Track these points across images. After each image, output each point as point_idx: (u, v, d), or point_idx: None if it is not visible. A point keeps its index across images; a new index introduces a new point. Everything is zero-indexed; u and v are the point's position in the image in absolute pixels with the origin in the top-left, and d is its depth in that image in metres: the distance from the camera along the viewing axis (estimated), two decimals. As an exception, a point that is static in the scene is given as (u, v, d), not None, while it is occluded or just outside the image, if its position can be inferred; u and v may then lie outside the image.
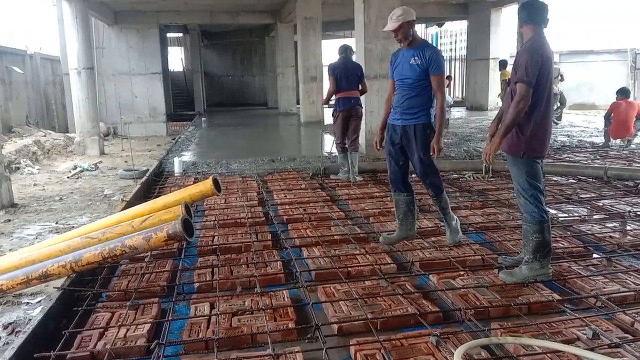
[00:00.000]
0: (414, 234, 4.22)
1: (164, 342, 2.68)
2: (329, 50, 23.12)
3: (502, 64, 12.83)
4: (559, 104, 13.00)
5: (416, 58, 3.82)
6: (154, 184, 7.10)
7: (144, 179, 7.02)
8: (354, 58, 7.09)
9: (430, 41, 25.17)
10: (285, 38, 19.04)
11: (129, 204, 5.20)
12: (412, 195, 4.15)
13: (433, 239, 4.30)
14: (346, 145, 6.80)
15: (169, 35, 22.63)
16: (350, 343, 2.62)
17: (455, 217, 4.18)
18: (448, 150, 9.15)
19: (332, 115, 6.83)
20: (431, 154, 3.87)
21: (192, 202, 4.23)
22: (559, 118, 13.10)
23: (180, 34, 23.94)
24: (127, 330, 2.84)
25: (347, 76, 6.58)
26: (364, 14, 8.10)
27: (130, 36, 16.90)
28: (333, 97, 6.74)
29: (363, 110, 6.88)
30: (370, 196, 5.95)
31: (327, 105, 7.67)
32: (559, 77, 12.93)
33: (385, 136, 4.13)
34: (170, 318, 2.99)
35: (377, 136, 4.24)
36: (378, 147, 4.22)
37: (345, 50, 6.73)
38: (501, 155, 3.57)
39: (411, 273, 3.64)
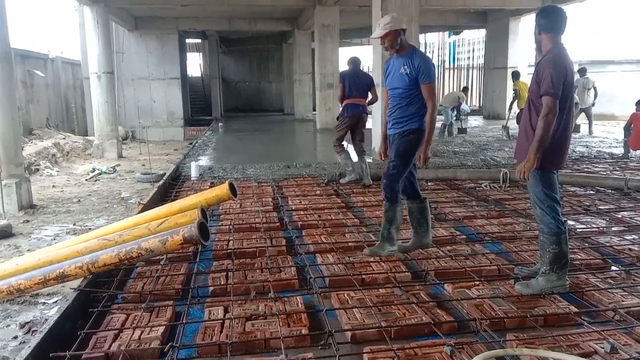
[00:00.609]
0: (429, 242, 4.16)
1: (177, 345, 2.69)
2: (346, 58, 23.21)
3: (515, 75, 12.80)
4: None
5: (405, 67, 3.78)
6: (170, 187, 7.16)
7: (161, 182, 7.08)
8: (367, 68, 7.32)
9: (448, 50, 25.27)
10: (303, 45, 19.15)
11: (146, 207, 5.25)
12: (424, 202, 4.11)
13: (448, 247, 4.26)
14: (344, 146, 7.08)
15: (187, 41, 22.87)
16: (364, 351, 2.61)
17: (395, 245, 4.08)
18: (465, 158, 9.10)
19: (337, 119, 7.07)
20: (417, 163, 3.86)
21: (208, 206, 4.26)
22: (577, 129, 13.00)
23: (199, 40, 24.18)
24: (142, 332, 2.85)
25: (357, 84, 6.82)
26: (381, 22, 8.09)
27: (150, 41, 17.12)
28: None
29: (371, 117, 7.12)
30: (386, 204, 5.91)
31: None
32: (593, 90, 12.77)
33: (389, 146, 4.10)
34: (184, 321, 3.00)
35: (381, 147, 4.24)
36: (382, 158, 4.23)
37: (354, 62, 7.03)
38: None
39: (426, 282, 3.62)
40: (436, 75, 6.41)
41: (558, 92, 3.06)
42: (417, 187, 4.15)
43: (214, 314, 3.07)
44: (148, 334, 2.84)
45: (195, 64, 27.18)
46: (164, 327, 2.91)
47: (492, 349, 2.58)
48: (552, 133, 3.14)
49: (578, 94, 12.66)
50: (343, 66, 16.69)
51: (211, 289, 3.49)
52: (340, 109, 7.03)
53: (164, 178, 7.40)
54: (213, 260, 4.10)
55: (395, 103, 3.91)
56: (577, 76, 12.52)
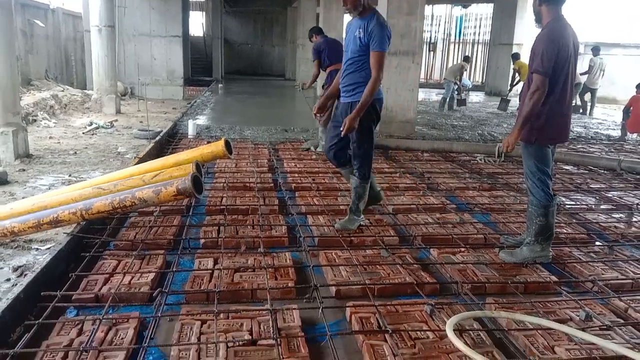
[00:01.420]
0: (380, 196, 4.14)
1: (166, 291, 2.77)
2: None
3: (515, 56, 12.82)
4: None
5: (360, 30, 3.53)
6: (167, 144, 7.18)
7: (157, 138, 7.09)
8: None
9: (455, 24, 24.92)
10: (308, 10, 18.85)
11: (142, 162, 5.27)
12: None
13: (438, 215, 4.33)
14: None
15: (191, -1, 22.51)
16: (347, 305, 2.69)
17: (362, 215, 3.96)
18: (462, 132, 9.12)
19: (323, 87, 6.94)
20: (341, 129, 3.59)
21: (203, 162, 4.29)
22: (585, 109, 12.98)
23: (203, -1, 23.82)
24: (132, 277, 2.93)
25: (338, 51, 6.57)
26: (388, -12, 7.99)
27: (154, -3, 16.82)
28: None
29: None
30: (380, 171, 5.97)
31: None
32: (602, 72, 12.70)
33: (334, 111, 3.94)
34: (174, 269, 3.07)
35: (317, 103, 4.01)
36: (314, 112, 4.01)
37: (321, 31, 7.07)
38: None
39: (412, 246, 3.69)
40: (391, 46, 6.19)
41: (548, 71, 3.06)
42: (346, 155, 3.95)
43: (203, 265, 3.14)
44: (138, 279, 2.91)
45: (197, 24, 26.79)
46: (154, 274, 2.98)
47: (471, 311, 2.66)
48: (546, 109, 3.15)
49: (594, 73, 12.58)
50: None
51: (202, 241, 3.56)
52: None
53: (161, 135, 7.40)
54: (206, 215, 4.16)
55: (346, 68, 3.68)
56: (591, 55, 12.42)
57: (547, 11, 3.18)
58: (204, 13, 26.21)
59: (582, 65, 12.70)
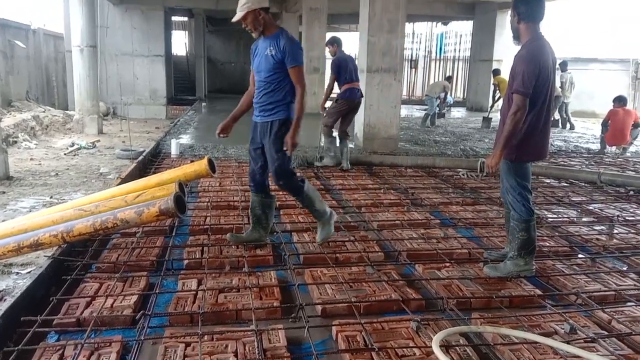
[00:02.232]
0: (265, 239, 3.93)
1: (149, 313, 2.73)
2: (333, 43, 23.08)
3: (496, 72, 13.12)
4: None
5: (271, 48, 3.53)
6: (150, 164, 7.13)
7: (140, 158, 7.05)
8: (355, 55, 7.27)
9: (436, 41, 25.33)
10: (290, 28, 18.93)
11: (124, 182, 5.22)
12: (271, 199, 3.93)
13: (422, 231, 4.35)
14: (333, 132, 7.02)
15: (174, 18, 22.57)
16: (333, 324, 2.67)
17: (328, 210, 3.88)
18: (445, 148, 9.21)
19: (337, 102, 6.91)
20: (284, 149, 3.57)
21: (187, 182, 4.27)
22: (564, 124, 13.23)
23: (186, 18, 23.87)
24: (115, 300, 2.88)
25: (354, 68, 6.91)
26: (369, 7, 8.09)
27: (135, 17, 16.82)
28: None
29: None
30: (364, 187, 6.00)
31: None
32: (572, 86, 13.03)
33: (250, 133, 3.86)
34: (157, 291, 3.03)
35: (222, 124, 3.94)
36: (217, 133, 3.94)
37: (340, 44, 6.97)
38: None
39: (398, 262, 3.69)
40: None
41: (528, 91, 3.08)
42: (267, 180, 3.92)
43: (187, 286, 3.11)
44: (121, 302, 2.87)
45: (180, 43, 26.86)
46: (137, 296, 2.94)
47: (457, 326, 2.66)
48: (525, 127, 3.18)
49: (567, 88, 12.94)
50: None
51: (186, 262, 3.52)
52: (339, 92, 6.93)
53: (144, 154, 7.36)
54: (189, 235, 4.13)
55: (262, 88, 3.65)
56: (560, 72, 12.73)
57: (525, 29, 3.22)
58: (187, 32, 26.31)
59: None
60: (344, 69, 6.77)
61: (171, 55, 21.96)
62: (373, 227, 4.48)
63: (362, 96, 7.06)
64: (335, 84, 6.91)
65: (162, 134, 10.60)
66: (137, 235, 4.00)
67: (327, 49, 7.10)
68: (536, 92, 3.12)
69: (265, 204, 3.88)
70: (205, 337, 2.50)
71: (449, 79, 15.20)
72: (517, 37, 3.30)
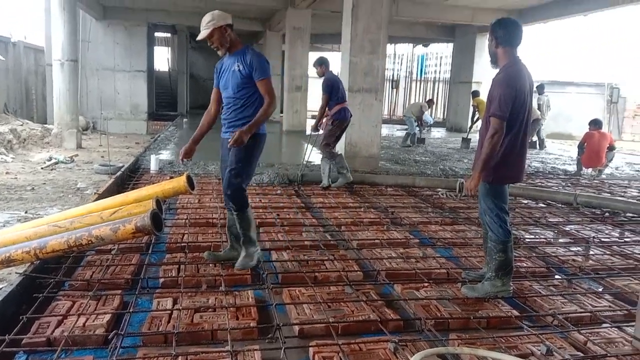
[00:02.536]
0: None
1: (122, 333, 2.66)
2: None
3: (475, 94, 13.40)
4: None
5: (238, 64, 3.55)
6: (128, 179, 7.05)
7: (118, 174, 6.96)
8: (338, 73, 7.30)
9: (417, 62, 25.68)
10: (273, 46, 19.13)
11: (101, 198, 5.14)
12: (245, 212, 3.77)
13: (401, 250, 4.35)
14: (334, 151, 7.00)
15: (156, 34, 22.56)
16: (310, 345, 2.64)
17: (257, 246, 3.79)
18: (425, 167, 9.28)
19: (333, 124, 6.87)
20: (230, 143, 3.51)
21: (165, 198, 4.21)
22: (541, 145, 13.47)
23: (169, 34, 23.88)
24: (87, 319, 2.82)
25: (343, 87, 6.97)
26: (351, 27, 8.20)
27: (118, 32, 16.78)
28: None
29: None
30: (345, 206, 6.00)
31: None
32: (548, 108, 13.34)
33: (220, 151, 3.86)
34: (131, 310, 2.97)
35: (185, 147, 3.87)
36: (181, 157, 3.90)
37: (328, 65, 7.01)
38: None
39: (377, 282, 3.68)
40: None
41: (505, 114, 3.12)
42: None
43: (162, 305, 3.05)
44: (93, 321, 2.80)
45: (163, 59, 26.81)
46: (110, 315, 2.88)
47: (435, 347, 2.65)
48: (502, 150, 3.22)
49: (545, 111, 13.25)
50: (312, 70, 16.80)
51: (162, 280, 3.46)
52: (330, 114, 6.87)
53: (122, 170, 7.27)
54: (166, 252, 4.07)
55: (230, 104, 3.65)
56: (537, 94, 13.02)
57: (503, 53, 3.27)
58: (170, 48, 26.29)
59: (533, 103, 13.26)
60: (335, 89, 6.79)
61: (153, 70, 21.91)
62: (352, 246, 4.47)
63: (352, 115, 7.11)
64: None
65: (141, 150, 10.51)
66: (112, 252, 3.94)
67: (314, 69, 7.08)
68: (513, 115, 3.16)
69: (241, 219, 3.78)
70: (180, 358, 2.45)
71: (429, 102, 15.41)
72: (494, 61, 3.35)
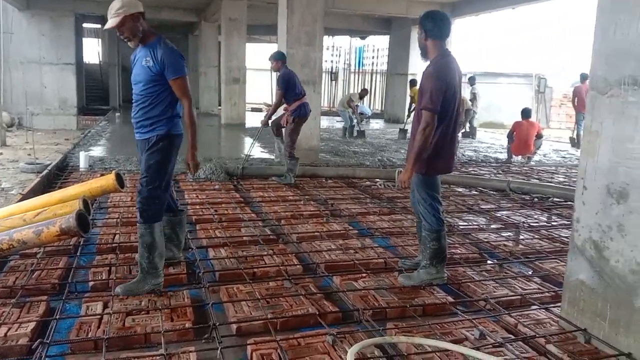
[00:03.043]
0: (178, 257, 3.71)
1: (48, 342, 2.52)
2: (254, 54, 23.01)
3: (413, 83, 13.64)
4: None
5: (147, 59, 3.20)
6: (55, 178, 6.70)
7: (45, 172, 6.61)
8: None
9: (355, 55, 25.87)
10: (209, 37, 18.75)
11: (25, 198, 4.86)
12: (180, 215, 3.67)
13: (340, 242, 4.37)
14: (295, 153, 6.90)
15: (85, 25, 21.53)
16: (248, 343, 2.60)
17: (161, 278, 3.25)
18: (364, 158, 9.38)
19: (293, 121, 6.77)
20: (189, 171, 3.40)
21: (93, 198, 4.03)
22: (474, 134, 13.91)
23: (99, 25, 22.85)
24: (9, 329, 2.65)
25: (299, 83, 6.88)
26: (287, 19, 8.14)
27: (43, 23, 15.89)
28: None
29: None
30: (285, 199, 5.96)
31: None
32: (478, 99, 13.74)
33: (138, 152, 3.51)
34: (58, 317, 2.82)
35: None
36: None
37: (285, 59, 6.93)
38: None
39: (316, 274, 3.68)
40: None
41: (437, 107, 3.18)
42: (173, 199, 3.64)
43: (91, 309, 2.91)
44: (16, 330, 2.64)
45: (93, 51, 25.66)
46: (35, 323, 2.72)
47: (373, 338, 2.67)
48: (435, 142, 3.28)
49: (478, 101, 13.67)
50: (250, 62, 16.56)
51: (91, 283, 3.31)
52: (289, 110, 6.76)
53: (49, 168, 6.90)
54: (96, 254, 3.90)
55: (139, 102, 3.29)
56: (469, 85, 13.41)
57: (432, 46, 3.33)
58: (100, 40, 25.19)
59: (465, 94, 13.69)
60: (292, 85, 6.69)
61: (83, 63, 20.92)
62: (292, 239, 4.45)
63: (311, 111, 7.05)
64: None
65: (71, 146, 10.04)
66: (37, 256, 3.72)
67: (270, 64, 6.94)
68: (444, 108, 3.23)
69: (175, 222, 3.65)
70: (110, 365, 2.34)
71: (363, 91, 15.55)
72: (424, 54, 3.41)
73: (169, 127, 3.25)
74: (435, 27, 3.28)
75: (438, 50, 3.32)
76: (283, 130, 7.13)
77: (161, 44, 3.23)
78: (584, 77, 11.39)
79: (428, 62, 3.38)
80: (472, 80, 13.67)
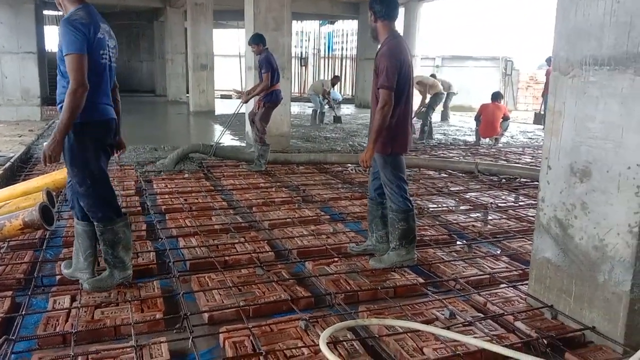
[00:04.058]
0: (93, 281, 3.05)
1: (13, 338, 2.46)
2: (222, 39, 22.67)
3: None
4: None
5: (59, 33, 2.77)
6: (19, 171, 6.52)
7: (7, 165, 6.41)
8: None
9: (324, 39, 25.72)
10: (175, 23, 18.40)
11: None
12: (89, 226, 3.05)
13: (312, 227, 4.37)
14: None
15: (46, 12, 20.87)
16: (220, 331, 2.58)
17: (129, 270, 3.08)
18: (335, 144, 9.39)
19: (264, 106, 6.78)
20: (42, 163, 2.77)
21: (58, 190, 3.94)
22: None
23: (60, 12, 22.19)
24: (-28, 327, 2.57)
25: (277, 68, 6.83)
26: (253, 5, 8.04)
27: (1, 10, 15.32)
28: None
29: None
30: (256, 186, 5.93)
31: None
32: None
33: None
34: (24, 312, 2.75)
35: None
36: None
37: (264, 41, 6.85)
38: None
39: (288, 260, 3.68)
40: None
41: (393, 85, 3.25)
42: (77, 206, 3.06)
43: (59, 304, 2.86)
44: (-21, 328, 2.57)
45: (55, 38, 24.92)
46: (0, 319, 2.65)
47: (345, 321, 2.69)
48: (394, 120, 3.33)
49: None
50: (218, 48, 16.31)
51: (58, 277, 3.23)
52: (262, 95, 6.77)
53: (12, 160, 6.70)
54: (63, 247, 3.81)
55: (59, 77, 2.88)
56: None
57: (382, 27, 3.41)
58: (62, 27, 24.47)
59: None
60: (273, 69, 6.66)
61: (45, 51, 20.31)
62: (264, 226, 4.43)
63: (282, 98, 7.05)
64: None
65: (35, 137, 9.77)
66: (1, 250, 3.62)
67: (251, 48, 6.98)
68: (399, 86, 3.30)
69: (86, 233, 3.07)
70: (79, 358, 2.30)
71: (335, 78, 15.50)
72: (375, 35, 3.49)
73: (82, 113, 2.73)
74: (383, 8, 3.35)
75: (388, 32, 3.40)
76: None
77: (65, 18, 2.77)
78: (550, 60, 11.54)
79: (379, 45, 3.44)
80: None
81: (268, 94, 6.74)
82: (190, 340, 2.47)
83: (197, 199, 5.28)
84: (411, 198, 3.54)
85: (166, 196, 5.32)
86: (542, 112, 12.47)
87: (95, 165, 2.93)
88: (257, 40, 6.77)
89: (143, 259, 3.55)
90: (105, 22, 2.92)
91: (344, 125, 12.66)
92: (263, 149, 6.89)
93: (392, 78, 3.24)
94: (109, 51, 2.93)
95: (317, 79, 23.13)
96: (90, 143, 2.87)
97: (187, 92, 16.50)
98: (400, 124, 3.38)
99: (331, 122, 12.91)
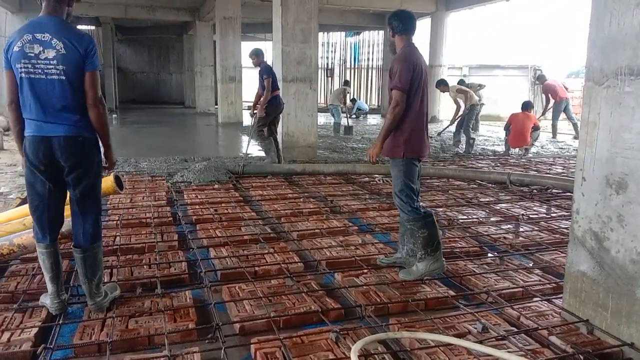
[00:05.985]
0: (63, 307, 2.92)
1: (51, 347, 2.52)
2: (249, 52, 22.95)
3: (441, 82, 13.55)
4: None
5: None
6: None
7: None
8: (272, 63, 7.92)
9: (350, 51, 25.78)
10: (204, 37, 18.73)
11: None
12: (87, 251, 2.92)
13: (341, 238, 4.37)
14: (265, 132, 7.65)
15: (79, 27, 21.48)
16: (251, 342, 2.60)
17: (109, 294, 3.01)
18: (362, 154, 9.38)
19: (266, 109, 7.47)
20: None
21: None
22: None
23: (93, 27, 22.80)
24: (12, 334, 2.64)
25: (276, 77, 7.69)
26: (281, 17, 8.12)
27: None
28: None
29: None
30: (284, 197, 5.96)
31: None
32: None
33: None
34: (60, 321, 2.82)
35: None
36: None
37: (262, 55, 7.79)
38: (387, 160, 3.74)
39: (317, 272, 3.68)
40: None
41: (405, 86, 3.32)
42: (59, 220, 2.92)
43: (94, 313, 2.91)
44: (19, 335, 2.64)
45: None
46: (38, 328, 2.72)
47: (375, 334, 2.68)
48: (408, 123, 3.39)
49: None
50: (245, 60, 16.55)
51: (93, 286, 3.30)
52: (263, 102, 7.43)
53: (48, 172, 6.88)
54: (98, 256, 3.88)
55: None
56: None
57: (399, 41, 3.52)
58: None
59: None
60: (274, 76, 7.43)
61: None
62: (293, 237, 4.45)
63: (284, 103, 7.78)
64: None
65: None
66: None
67: (250, 60, 7.74)
68: (412, 88, 3.36)
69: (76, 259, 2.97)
70: (115, 367, 2.35)
71: (346, 82, 15.52)
72: (393, 49, 3.59)
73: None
74: (400, 24, 3.48)
75: (404, 43, 3.50)
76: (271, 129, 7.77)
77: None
78: (542, 78, 13.23)
79: None
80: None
81: (272, 99, 7.43)
82: (222, 351, 2.49)
83: (226, 209, 5.34)
84: (440, 209, 3.52)
85: (197, 206, 5.39)
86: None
87: (37, 189, 2.80)
88: (257, 53, 7.68)
89: (175, 269, 3.60)
90: (53, 29, 2.65)
91: (370, 135, 12.64)
92: (265, 144, 7.60)
93: (405, 80, 3.31)
94: (31, 63, 2.60)
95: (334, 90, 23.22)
96: (27, 161, 2.75)
97: (216, 104, 16.73)
98: (414, 127, 3.42)
99: (343, 134, 12.79)
